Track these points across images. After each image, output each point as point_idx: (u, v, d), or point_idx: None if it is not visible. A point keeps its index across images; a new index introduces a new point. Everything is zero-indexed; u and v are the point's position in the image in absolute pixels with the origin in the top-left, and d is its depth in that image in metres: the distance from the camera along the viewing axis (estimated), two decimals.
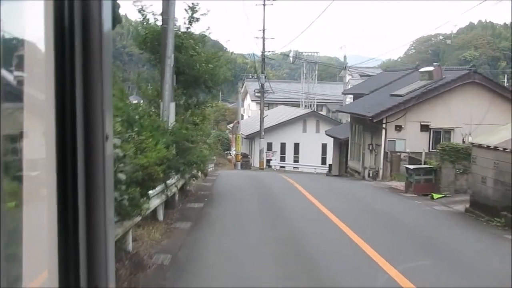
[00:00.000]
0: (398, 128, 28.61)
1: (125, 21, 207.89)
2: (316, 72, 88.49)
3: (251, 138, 50.94)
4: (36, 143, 1.23)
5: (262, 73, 44.36)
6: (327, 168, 46.36)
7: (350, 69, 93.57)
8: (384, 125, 28.66)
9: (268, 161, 47.59)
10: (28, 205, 1.19)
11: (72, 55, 1.13)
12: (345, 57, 68.32)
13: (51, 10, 1.11)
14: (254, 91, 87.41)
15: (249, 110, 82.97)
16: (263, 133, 45.51)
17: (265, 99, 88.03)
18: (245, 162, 44.29)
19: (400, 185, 24.17)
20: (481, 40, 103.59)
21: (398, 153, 28.13)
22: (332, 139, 41.48)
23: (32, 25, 1.17)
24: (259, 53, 46.61)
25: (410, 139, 28.12)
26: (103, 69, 1.17)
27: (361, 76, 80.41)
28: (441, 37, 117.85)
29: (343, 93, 51.66)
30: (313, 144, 50.70)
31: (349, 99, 49.74)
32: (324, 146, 51.47)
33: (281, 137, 50.74)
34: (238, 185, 25.00)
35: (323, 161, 51.33)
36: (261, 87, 44.59)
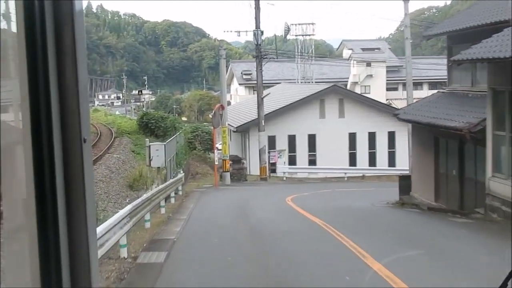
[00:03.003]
0: None
1: (101, 11, 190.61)
2: (313, 47, 73.45)
3: (243, 131, 34.40)
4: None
5: (257, 28, 27.58)
6: (370, 171, 29.97)
7: (350, 43, 78.97)
8: None
9: (273, 164, 31.02)
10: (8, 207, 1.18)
11: (45, 56, 1.10)
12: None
13: (21, 11, 1.08)
14: (241, 73, 72.19)
15: (236, 95, 68.08)
16: (263, 123, 28.88)
17: (253, 82, 72.99)
18: (237, 171, 27.69)
19: None
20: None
21: None
22: (404, 128, 24.95)
23: (3, 26, 1.13)
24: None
25: None
26: (78, 70, 1.13)
27: (363, 50, 72.45)
28: (434, 10, 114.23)
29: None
30: (336, 135, 34.29)
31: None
32: (352, 137, 34.91)
33: (288, 127, 34.21)
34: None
35: (352, 159, 34.79)
36: (257, 48, 27.80)
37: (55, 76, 1.11)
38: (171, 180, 17.24)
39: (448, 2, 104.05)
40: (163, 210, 14.10)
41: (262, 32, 27.32)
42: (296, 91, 40.08)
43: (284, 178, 29.77)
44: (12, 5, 1.10)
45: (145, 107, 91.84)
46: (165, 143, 19.19)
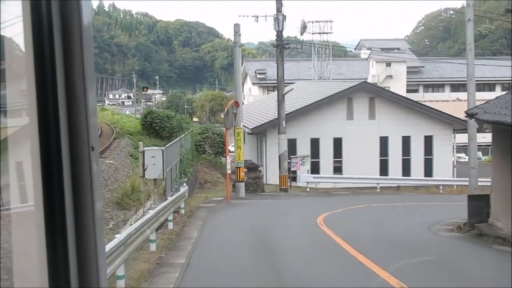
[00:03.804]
0: None
1: (113, 10, 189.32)
2: (331, 46, 70.32)
3: (259, 133, 30.21)
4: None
5: (279, 12, 23.31)
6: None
7: (369, 43, 76.40)
8: None
9: (293, 172, 26.75)
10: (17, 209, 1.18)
11: (53, 62, 1.09)
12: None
13: (28, 11, 1.07)
14: (255, 72, 68.49)
15: (250, 95, 64.51)
16: (283, 124, 24.63)
17: (267, 81, 69.32)
18: (253, 180, 23.43)
19: None
20: (497, 12, 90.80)
21: None
22: (444, 132, 20.50)
23: (11, 28, 1.11)
24: None
25: None
26: (86, 76, 1.12)
27: (382, 49, 68.06)
28: (451, 12, 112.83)
29: None
30: (366, 139, 30.00)
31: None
32: (383, 142, 30.58)
33: (310, 129, 29.95)
34: None
35: (383, 166, 30.47)
36: (278, 35, 23.49)
37: (62, 83, 1.09)
38: (170, 199, 13.11)
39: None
40: (153, 247, 9.95)
41: (284, 17, 23.08)
42: (319, 89, 35.72)
43: (308, 189, 25.50)
44: (19, 5, 1.07)
45: (156, 107, 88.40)
46: (163, 147, 15.02)
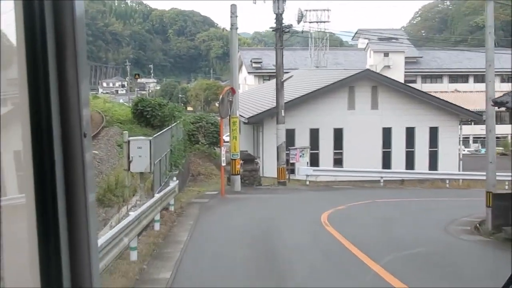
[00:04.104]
0: None
1: None
2: (328, 36, 69.46)
3: (256, 123, 28.69)
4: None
5: None
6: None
7: (367, 33, 75.53)
8: None
9: (291, 164, 25.24)
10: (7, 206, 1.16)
11: (45, 51, 1.09)
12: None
13: (21, 11, 1.07)
14: (250, 61, 67.19)
15: (245, 85, 63.60)
16: (282, 113, 23.09)
17: (263, 71, 67.90)
18: (249, 173, 21.90)
19: None
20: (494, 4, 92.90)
21: None
22: (450, 123, 18.96)
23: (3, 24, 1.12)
24: None
25: None
26: (78, 64, 1.12)
27: (380, 39, 67.93)
28: (448, 3, 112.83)
29: None
30: (368, 130, 28.56)
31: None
32: (386, 133, 29.15)
33: (309, 119, 28.44)
34: None
35: (386, 158, 29.05)
36: (277, 18, 21.84)
37: (54, 71, 1.10)
38: (157, 196, 11.58)
39: None
40: (134, 255, 8.38)
41: None
42: (319, 77, 34.12)
43: (307, 183, 24.00)
44: (11, 4, 1.08)
45: (150, 96, 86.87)
46: (150, 138, 13.45)
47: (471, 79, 71.56)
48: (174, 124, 19.98)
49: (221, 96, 18.08)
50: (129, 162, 12.78)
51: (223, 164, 18.38)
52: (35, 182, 1.06)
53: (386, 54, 70.21)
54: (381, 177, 25.51)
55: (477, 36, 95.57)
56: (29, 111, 1.06)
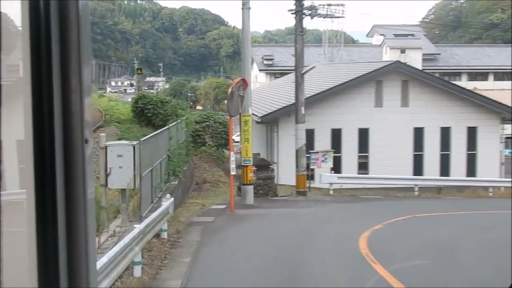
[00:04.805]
0: None
1: None
2: (343, 31, 67.16)
3: (270, 122, 25.38)
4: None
5: None
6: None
7: (382, 29, 73.48)
8: None
9: (311, 170, 21.81)
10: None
11: (49, 56, 1.09)
12: None
13: (27, 11, 1.08)
14: (262, 58, 64.65)
15: (256, 83, 61.07)
16: (302, 111, 19.73)
17: (275, 68, 65.12)
18: (263, 181, 18.56)
19: None
20: (509, 1, 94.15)
21: None
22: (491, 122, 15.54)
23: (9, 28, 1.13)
24: None
25: None
26: (82, 69, 1.12)
27: (396, 36, 66.26)
28: (462, 0, 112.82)
29: None
30: (397, 130, 25.18)
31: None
32: (418, 133, 25.77)
33: (330, 118, 25.05)
34: None
35: (417, 163, 25.65)
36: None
37: (58, 76, 1.10)
38: (146, 222, 8.32)
39: None
40: None
41: None
42: (340, 72, 30.70)
43: (331, 192, 20.59)
44: (17, 4, 1.08)
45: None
46: (135, 142, 10.13)
47: (491, 77, 68.16)
48: (173, 123, 16.70)
49: (230, 90, 14.69)
50: (107, 176, 9.47)
51: (233, 172, 15.03)
52: (36, 183, 1.06)
53: (402, 51, 67.14)
54: (416, 185, 22.03)
55: (492, 34, 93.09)
56: (31, 114, 1.06)
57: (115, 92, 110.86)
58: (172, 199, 10.55)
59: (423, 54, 65.83)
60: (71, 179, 1.09)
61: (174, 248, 9.76)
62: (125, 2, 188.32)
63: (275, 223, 13.59)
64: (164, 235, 10.26)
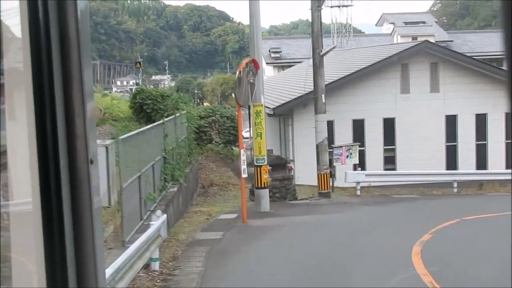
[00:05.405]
0: None
1: None
2: (351, 19, 65.38)
3: (283, 115, 22.69)
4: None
5: None
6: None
7: (392, 17, 72.12)
8: None
9: (333, 167, 19.00)
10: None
11: (50, 58, 1.07)
12: None
13: (26, 11, 1.07)
14: (269, 51, 62.21)
15: (263, 76, 57.92)
16: (323, 99, 16.97)
17: (282, 61, 62.66)
18: (280, 182, 15.81)
19: None
20: None
21: None
22: None
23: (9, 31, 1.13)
24: None
25: None
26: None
27: (406, 24, 65.44)
28: None
29: None
30: (427, 119, 22.35)
31: None
32: (450, 122, 22.93)
33: (351, 108, 22.27)
34: None
35: (451, 155, 22.84)
36: None
37: (59, 79, 1.08)
38: (130, 250, 5.67)
39: None
40: None
41: None
42: (359, 56, 27.89)
43: (358, 193, 17.79)
44: (16, 5, 1.07)
45: None
46: (108, 142, 7.38)
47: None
48: (170, 118, 14.01)
49: (237, 73, 11.89)
50: None
51: (244, 175, 12.27)
52: (42, 202, 1.06)
53: (414, 38, 64.58)
54: (455, 181, 19.18)
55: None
56: (35, 134, 1.06)
57: (121, 91, 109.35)
58: (165, 216, 7.81)
59: (436, 42, 63.35)
60: (77, 200, 1.08)
61: (167, 282, 7.08)
62: (129, 2, 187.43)
63: (300, 238, 10.82)
64: (155, 265, 7.58)
